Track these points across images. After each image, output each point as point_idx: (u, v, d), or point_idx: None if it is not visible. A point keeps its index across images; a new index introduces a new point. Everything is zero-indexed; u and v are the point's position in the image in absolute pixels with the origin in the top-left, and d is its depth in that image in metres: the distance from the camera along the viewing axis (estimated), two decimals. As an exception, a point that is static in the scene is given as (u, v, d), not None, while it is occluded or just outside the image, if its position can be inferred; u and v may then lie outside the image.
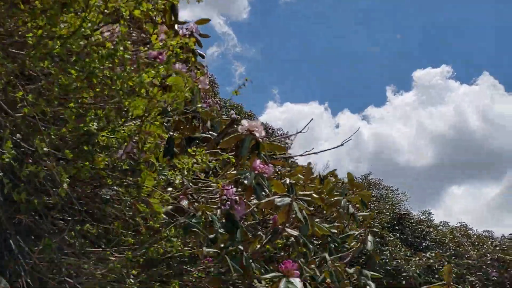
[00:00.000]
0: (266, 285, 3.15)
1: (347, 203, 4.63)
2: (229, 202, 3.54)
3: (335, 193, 4.77)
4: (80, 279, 2.88)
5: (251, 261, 3.36)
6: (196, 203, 3.34)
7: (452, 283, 3.82)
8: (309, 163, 4.67)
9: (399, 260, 13.97)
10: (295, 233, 3.70)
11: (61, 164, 2.63)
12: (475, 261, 15.80)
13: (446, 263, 14.15)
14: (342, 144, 4.68)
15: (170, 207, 3.29)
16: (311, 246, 3.77)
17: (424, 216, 20.37)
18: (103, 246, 3.15)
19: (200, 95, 4.17)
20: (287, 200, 3.46)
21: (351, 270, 4.17)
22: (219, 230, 3.25)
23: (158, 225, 3.09)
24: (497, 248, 16.84)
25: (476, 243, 17.46)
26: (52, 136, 2.64)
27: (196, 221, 3.17)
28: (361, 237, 4.29)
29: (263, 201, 3.44)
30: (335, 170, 4.86)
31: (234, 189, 3.53)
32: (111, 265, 2.92)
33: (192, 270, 3.43)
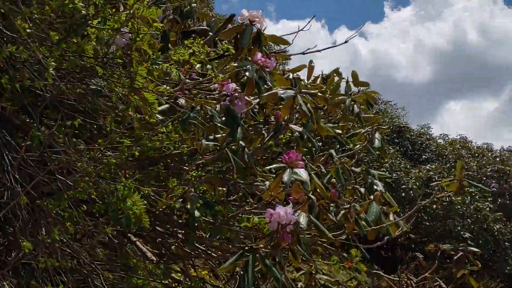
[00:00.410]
0: (271, 179, 2.95)
1: (352, 103, 4.40)
2: (229, 98, 3.32)
3: (339, 93, 4.55)
4: (73, 177, 2.69)
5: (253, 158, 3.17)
6: (194, 99, 3.11)
7: (464, 179, 3.64)
8: (311, 61, 4.42)
9: (398, 173, 13.90)
10: (299, 128, 3.49)
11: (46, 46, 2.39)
12: (475, 173, 15.80)
13: (446, 175, 14.10)
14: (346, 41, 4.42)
15: (166, 105, 3.06)
16: (316, 143, 3.58)
17: (423, 130, 20.26)
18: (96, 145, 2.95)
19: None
20: (291, 92, 3.23)
21: (357, 169, 3.99)
22: (219, 125, 3.03)
23: (154, 120, 2.89)
24: (497, 159, 16.81)
25: (476, 154, 17.42)
26: (36, 15, 2.38)
27: (194, 115, 2.95)
28: (367, 135, 4.09)
29: (265, 94, 3.21)
30: (338, 68, 4.60)
31: (234, 85, 3.30)
32: (105, 161, 2.72)
33: (190, 169, 3.25)
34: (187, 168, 3.24)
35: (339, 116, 4.44)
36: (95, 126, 3.04)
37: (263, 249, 2.82)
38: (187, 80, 3.30)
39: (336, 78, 4.69)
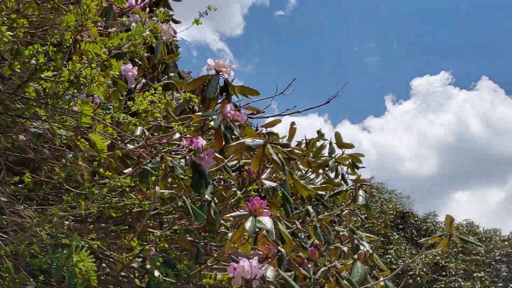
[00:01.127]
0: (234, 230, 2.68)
1: (335, 164, 4.17)
2: (194, 152, 3.11)
3: (322, 155, 4.33)
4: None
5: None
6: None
7: (454, 235, 3.35)
8: (293, 123, 4.21)
9: (404, 259, 13.47)
10: (273, 184, 3.25)
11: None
12: (483, 257, 15.29)
13: (453, 259, 13.66)
14: (328, 102, 4.25)
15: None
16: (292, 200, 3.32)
17: (428, 216, 19.85)
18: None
19: (164, 46, 3.75)
20: (259, 141, 3.01)
21: (341, 229, 3.71)
22: (181, 176, 2.80)
23: (102, 170, 2.66)
24: (506, 243, 16.32)
25: (484, 238, 16.94)
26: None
27: (153, 167, 2.73)
28: (351, 194, 3.84)
29: (232, 144, 2.98)
30: (320, 130, 4.40)
31: (204, 141, 3.10)
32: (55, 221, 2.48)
33: (153, 227, 2.99)
34: (150, 227, 2.99)
35: (324, 181, 4.19)
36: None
37: (228, 309, 2.52)
38: (150, 136, 3.10)
39: (319, 142, 4.47)
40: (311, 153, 4.34)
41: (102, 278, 2.90)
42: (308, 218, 3.28)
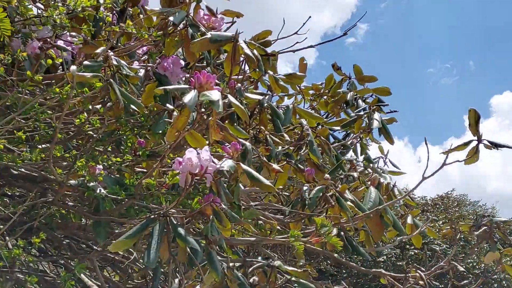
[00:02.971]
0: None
1: (355, 97, 3.55)
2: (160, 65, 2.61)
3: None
4: None
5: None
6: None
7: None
8: (303, 58, 3.63)
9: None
10: (258, 96, 2.68)
11: None
12: None
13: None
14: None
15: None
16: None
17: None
18: None
19: None
20: (227, 35, 2.47)
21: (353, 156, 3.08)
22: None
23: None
24: None
25: None
26: None
27: (93, 65, 2.25)
28: (367, 115, 3.20)
29: (196, 40, 2.45)
30: (335, 63, 3.78)
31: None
32: None
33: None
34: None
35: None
36: None
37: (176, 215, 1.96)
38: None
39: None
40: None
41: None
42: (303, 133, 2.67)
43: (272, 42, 3.08)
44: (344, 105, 3.56)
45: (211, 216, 2.02)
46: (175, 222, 1.94)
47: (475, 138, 2.50)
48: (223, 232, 2.04)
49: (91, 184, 2.18)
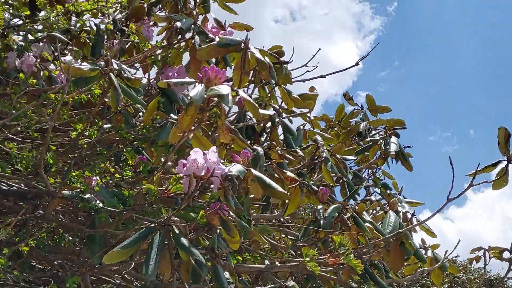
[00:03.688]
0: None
1: (369, 128, 3.37)
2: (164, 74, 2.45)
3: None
4: None
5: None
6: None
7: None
8: (312, 87, 3.46)
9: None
10: (269, 112, 2.50)
11: None
12: None
13: None
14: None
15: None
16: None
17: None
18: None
19: None
20: (237, 39, 2.31)
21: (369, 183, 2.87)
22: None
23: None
24: None
25: None
26: None
27: (91, 68, 2.09)
28: (381, 143, 3.01)
29: (203, 47, 2.29)
30: (347, 92, 3.62)
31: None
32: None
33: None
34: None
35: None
36: None
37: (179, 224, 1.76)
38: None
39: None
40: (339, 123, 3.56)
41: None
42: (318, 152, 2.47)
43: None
44: (356, 137, 3.37)
45: (218, 229, 1.82)
46: (177, 232, 1.73)
47: (505, 158, 2.31)
48: (231, 245, 1.82)
49: (87, 196, 1.97)
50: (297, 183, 2.37)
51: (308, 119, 3.52)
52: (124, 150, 2.27)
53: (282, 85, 2.46)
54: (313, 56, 3.05)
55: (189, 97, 1.74)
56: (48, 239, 2.28)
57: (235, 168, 1.78)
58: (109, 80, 1.82)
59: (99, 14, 2.36)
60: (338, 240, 1.89)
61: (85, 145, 2.25)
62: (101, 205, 1.94)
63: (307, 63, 3.20)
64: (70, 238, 2.41)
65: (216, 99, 1.74)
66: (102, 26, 2.44)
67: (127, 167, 2.30)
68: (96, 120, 2.35)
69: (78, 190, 1.99)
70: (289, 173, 2.05)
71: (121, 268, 2.17)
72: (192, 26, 2.38)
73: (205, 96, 1.72)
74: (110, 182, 2.19)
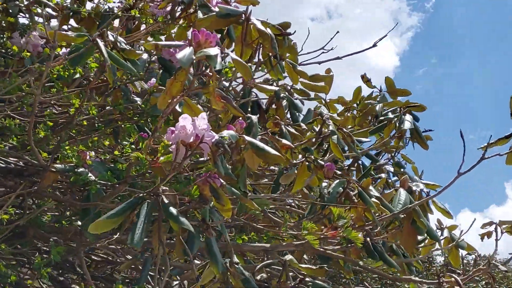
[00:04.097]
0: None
1: (385, 109, 3.26)
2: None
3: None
4: None
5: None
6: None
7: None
8: (329, 69, 3.34)
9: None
10: (273, 87, 2.42)
11: None
12: None
13: None
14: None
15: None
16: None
17: None
18: None
19: None
20: (238, 10, 2.23)
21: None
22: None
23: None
24: None
25: None
26: None
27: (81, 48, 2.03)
28: (395, 121, 2.90)
29: (204, 16, 2.22)
30: (365, 74, 3.50)
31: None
32: None
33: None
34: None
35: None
36: None
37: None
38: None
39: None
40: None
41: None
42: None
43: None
44: (373, 120, 3.25)
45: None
46: (166, 202, 1.66)
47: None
48: (223, 214, 1.75)
49: (80, 170, 1.92)
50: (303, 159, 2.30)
51: (323, 101, 3.43)
52: (123, 125, 2.21)
53: (288, 60, 2.38)
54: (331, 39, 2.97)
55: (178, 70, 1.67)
56: (46, 217, 2.24)
57: (226, 133, 1.71)
58: (97, 47, 1.76)
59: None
60: (336, 212, 1.80)
61: (84, 122, 2.20)
62: (93, 177, 1.89)
63: (324, 46, 3.11)
64: (73, 217, 2.36)
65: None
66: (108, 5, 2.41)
67: (128, 145, 2.24)
68: (96, 97, 2.30)
69: (72, 164, 1.95)
70: (284, 141, 1.97)
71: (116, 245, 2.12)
72: (195, -1, 2.30)
73: (194, 58, 1.65)
74: (108, 157, 2.14)
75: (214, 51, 1.64)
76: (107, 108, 2.21)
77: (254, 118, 1.90)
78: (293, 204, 2.75)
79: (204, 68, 1.73)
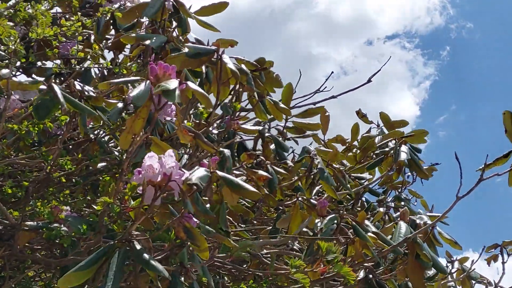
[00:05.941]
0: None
1: (385, 141, 3.13)
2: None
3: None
4: None
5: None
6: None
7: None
8: (325, 110, 3.24)
9: None
10: (256, 127, 2.33)
11: None
12: None
13: None
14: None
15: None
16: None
17: None
18: None
19: None
20: (209, 48, 2.16)
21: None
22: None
23: None
24: None
25: None
26: None
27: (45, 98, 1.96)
28: (392, 155, 2.78)
29: (172, 54, 2.14)
30: (360, 109, 3.41)
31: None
32: None
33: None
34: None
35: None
36: None
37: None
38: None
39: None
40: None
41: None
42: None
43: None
44: (374, 155, 3.13)
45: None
46: (138, 248, 1.55)
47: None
48: (200, 255, 1.62)
49: (54, 225, 1.82)
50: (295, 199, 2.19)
51: (322, 142, 3.34)
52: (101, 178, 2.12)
53: (268, 97, 2.29)
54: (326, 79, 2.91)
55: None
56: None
57: (197, 173, 1.60)
58: (51, 91, 1.67)
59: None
60: (324, 246, 1.67)
61: (63, 179, 2.11)
62: (64, 229, 1.79)
63: (320, 87, 3.01)
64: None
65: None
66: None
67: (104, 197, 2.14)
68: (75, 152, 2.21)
69: (45, 221, 1.85)
70: (261, 172, 1.85)
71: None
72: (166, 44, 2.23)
73: (153, 93, 1.56)
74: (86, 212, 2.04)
75: (173, 84, 1.55)
76: (84, 162, 2.11)
77: (227, 152, 1.79)
78: (295, 247, 2.61)
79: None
